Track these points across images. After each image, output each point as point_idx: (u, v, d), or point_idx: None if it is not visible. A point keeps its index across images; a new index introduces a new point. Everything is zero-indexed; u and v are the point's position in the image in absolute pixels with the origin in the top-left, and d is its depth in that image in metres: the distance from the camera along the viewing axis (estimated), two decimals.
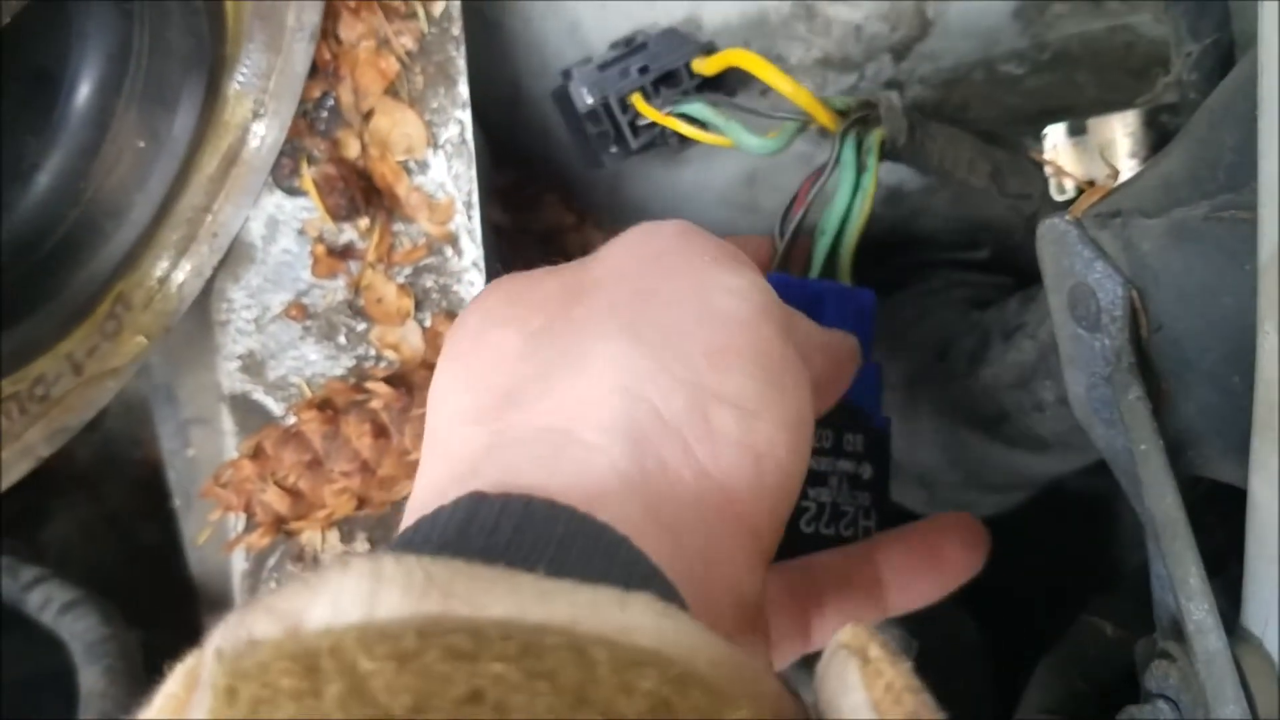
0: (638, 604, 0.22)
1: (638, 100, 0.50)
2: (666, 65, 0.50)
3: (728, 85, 0.52)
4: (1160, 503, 0.30)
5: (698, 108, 0.49)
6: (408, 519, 0.29)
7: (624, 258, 0.34)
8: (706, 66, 0.50)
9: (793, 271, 0.48)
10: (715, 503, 0.29)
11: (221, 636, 0.21)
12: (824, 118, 0.46)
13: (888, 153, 0.48)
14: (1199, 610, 0.28)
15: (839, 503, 0.44)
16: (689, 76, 0.51)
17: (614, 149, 0.52)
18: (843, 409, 0.42)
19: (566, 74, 0.52)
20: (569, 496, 0.27)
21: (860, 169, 0.47)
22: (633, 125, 0.51)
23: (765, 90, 0.51)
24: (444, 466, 0.31)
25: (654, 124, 0.51)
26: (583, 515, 0.26)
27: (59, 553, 0.61)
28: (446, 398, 0.33)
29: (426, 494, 0.30)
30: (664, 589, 0.26)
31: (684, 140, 0.52)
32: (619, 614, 0.21)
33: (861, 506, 0.45)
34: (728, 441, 0.30)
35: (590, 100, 0.50)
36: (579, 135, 0.52)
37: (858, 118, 0.47)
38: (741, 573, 0.30)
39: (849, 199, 0.46)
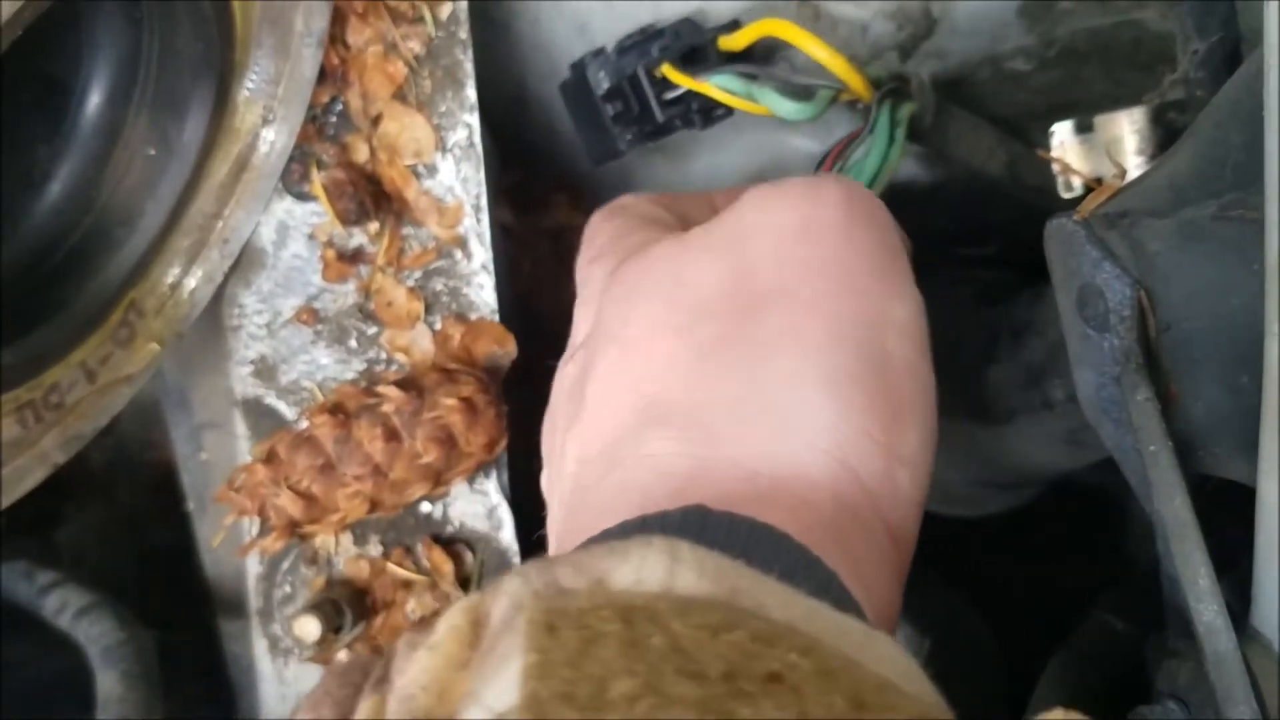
0: (880, 640, 0.23)
1: (668, 69, 0.49)
2: (691, 41, 0.50)
3: (754, 62, 0.51)
4: (1169, 504, 0.30)
5: (727, 79, 0.48)
6: (593, 518, 0.31)
7: (786, 250, 0.35)
8: (735, 41, 0.49)
9: None
10: (886, 543, 0.33)
11: (527, 580, 0.23)
12: (858, 85, 0.47)
13: (913, 131, 0.48)
14: (1208, 611, 0.28)
15: None
16: (716, 53, 0.50)
17: (632, 132, 0.51)
18: None
19: (578, 65, 0.52)
20: (784, 530, 0.29)
21: (890, 141, 0.47)
22: (659, 100, 0.50)
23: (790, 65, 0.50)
24: (634, 474, 0.33)
25: (681, 98, 0.50)
26: (802, 546, 0.29)
27: (73, 556, 0.61)
28: (620, 397, 0.35)
29: (624, 491, 0.32)
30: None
31: (708, 120, 0.51)
32: (866, 642, 0.23)
33: None
34: (906, 500, 0.34)
35: (608, 83, 0.50)
36: (593, 123, 0.52)
37: (891, 89, 0.47)
38: (895, 599, 0.33)
39: (878, 166, 0.47)
